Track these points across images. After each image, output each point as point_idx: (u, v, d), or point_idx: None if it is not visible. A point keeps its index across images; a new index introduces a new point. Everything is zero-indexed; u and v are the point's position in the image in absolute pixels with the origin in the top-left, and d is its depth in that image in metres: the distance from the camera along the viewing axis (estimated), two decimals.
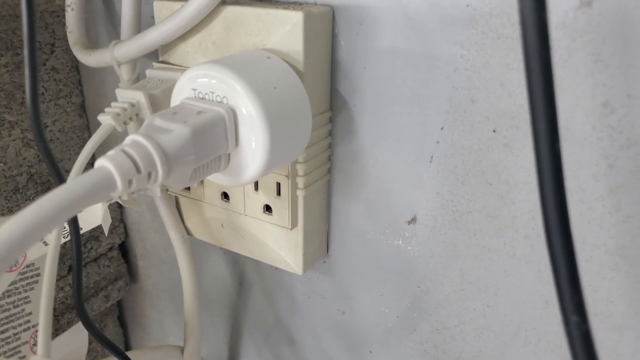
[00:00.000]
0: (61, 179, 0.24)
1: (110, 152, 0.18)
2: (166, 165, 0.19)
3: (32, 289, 0.27)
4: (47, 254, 0.22)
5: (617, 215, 0.22)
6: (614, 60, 0.20)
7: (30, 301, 0.27)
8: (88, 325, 0.25)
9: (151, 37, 0.26)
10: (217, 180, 0.23)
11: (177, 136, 0.19)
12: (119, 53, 0.28)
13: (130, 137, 0.19)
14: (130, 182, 0.18)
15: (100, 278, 0.40)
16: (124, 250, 0.43)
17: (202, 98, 0.22)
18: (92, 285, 0.39)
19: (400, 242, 0.28)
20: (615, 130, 0.21)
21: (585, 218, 0.23)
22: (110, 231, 0.40)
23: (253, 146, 0.22)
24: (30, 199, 0.35)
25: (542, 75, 0.13)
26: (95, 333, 0.25)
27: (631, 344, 0.24)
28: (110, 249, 0.41)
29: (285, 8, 0.24)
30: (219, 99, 0.22)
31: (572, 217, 0.23)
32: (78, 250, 0.24)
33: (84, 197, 0.17)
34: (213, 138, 0.21)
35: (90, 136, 0.39)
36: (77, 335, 0.33)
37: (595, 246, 0.23)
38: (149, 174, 0.19)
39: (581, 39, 0.21)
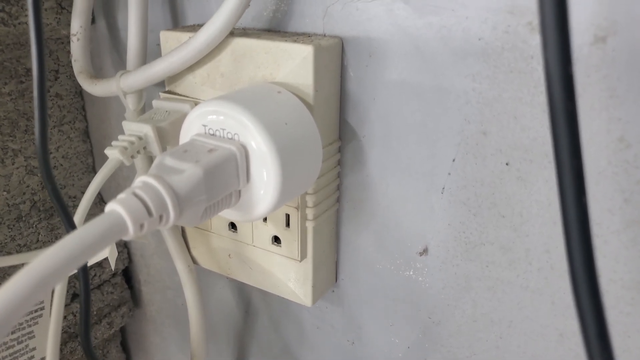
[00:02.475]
0: (69, 219, 0.23)
1: (121, 196, 0.18)
2: (178, 208, 0.19)
3: (36, 323, 0.27)
4: (55, 290, 0.22)
5: (633, 249, 0.22)
6: (630, 96, 0.20)
7: (34, 336, 0.26)
8: None
9: (158, 69, 0.26)
10: (228, 215, 0.23)
11: (189, 177, 0.19)
12: (125, 83, 0.28)
13: (141, 179, 0.19)
14: (141, 226, 0.18)
15: (103, 305, 0.40)
16: (128, 275, 0.43)
17: (213, 134, 0.22)
18: (95, 313, 0.39)
19: (411, 272, 0.28)
20: (631, 165, 0.21)
21: (601, 252, 0.23)
22: (118, 257, 0.39)
23: (265, 182, 0.21)
24: (33, 227, 0.35)
25: (568, 129, 0.13)
26: None
27: None
28: (114, 275, 0.40)
29: (295, 41, 0.24)
30: (230, 136, 0.21)
31: None
32: (86, 292, 0.23)
33: (96, 244, 0.17)
34: (225, 176, 0.20)
35: (93, 162, 0.38)
36: None
37: (612, 280, 0.23)
38: (161, 217, 0.19)
39: (595, 75, 0.20)
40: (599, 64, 0.20)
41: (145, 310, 0.44)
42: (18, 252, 0.33)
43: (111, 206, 0.18)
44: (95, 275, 0.39)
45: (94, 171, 0.39)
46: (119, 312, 0.41)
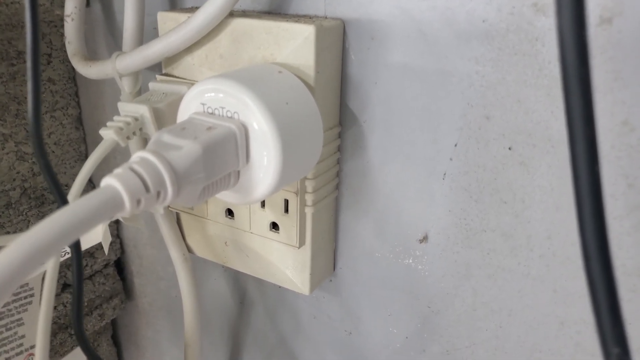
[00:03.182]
0: (62, 197, 0.23)
1: (118, 170, 0.17)
2: (176, 184, 0.18)
3: (25, 310, 0.26)
4: (46, 275, 0.21)
5: (636, 235, 0.22)
6: (635, 79, 0.20)
7: (23, 323, 0.26)
8: (87, 351, 0.23)
9: (156, 49, 0.26)
10: (225, 197, 0.23)
11: (188, 153, 0.19)
12: (121, 65, 0.27)
13: (138, 154, 0.18)
14: (138, 202, 0.17)
15: (95, 296, 0.39)
16: (120, 266, 0.42)
17: (212, 113, 0.21)
18: (86, 304, 0.38)
19: (410, 261, 0.28)
20: (635, 149, 0.21)
21: None
22: (111, 247, 0.38)
23: (265, 163, 0.21)
24: (23, 214, 0.34)
25: (581, 96, 0.12)
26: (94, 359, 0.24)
27: None
28: (106, 265, 0.40)
29: (296, 21, 0.23)
30: (229, 115, 0.21)
31: None
32: (79, 274, 0.22)
33: (91, 219, 0.16)
34: (224, 155, 0.20)
35: (86, 149, 0.38)
36: None
37: (614, 267, 0.23)
38: (158, 193, 0.18)
39: (601, 56, 0.20)
40: (605, 46, 0.20)
41: (137, 302, 0.43)
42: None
43: (107, 181, 0.17)
44: (87, 265, 0.38)
45: (86, 159, 0.38)
46: (110, 304, 0.40)
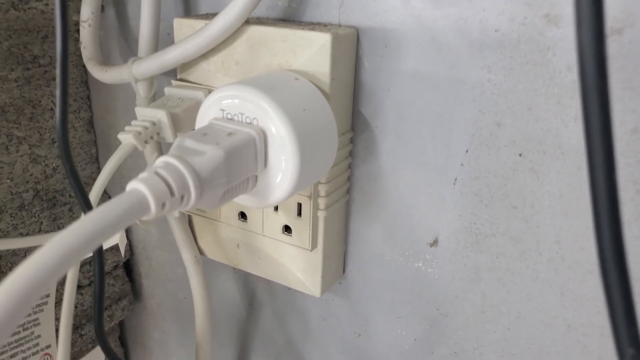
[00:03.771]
0: (86, 200, 0.23)
1: (143, 174, 0.18)
2: (199, 188, 0.19)
3: (41, 310, 0.26)
4: (67, 275, 0.21)
5: None
6: None
7: (39, 323, 0.26)
8: (106, 350, 0.24)
9: (172, 56, 0.26)
10: (243, 201, 0.23)
11: (211, 158, 0.19)
12: (137, 70, 0.28)
13: (163, 159, 0.19)
14: (163, 205, 0.18)
15: (104, 297, 0.39)
16: (129, 268, 0.42)
17: (231, 119, 0.22)
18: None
19: (420, 264, 0.28)
20: None
21: None
22: (116, 249, 0.39)
23: (283, 167, 0.21)
24: (35, 216, 0.35)
25: (600, 108, 0.13)
26: (113, 358, 0.24)
27: None
28: (115, 267, 0.40)
29: (312, 29, 0.24)
30: (248, 120, 0.21)
31: None
32: (101, 275, 0.23)
33: (119, 221, 0.17)
34: (244, 160, 0.20)
35: (97, 152, 0.38)
36: None
37: None
38: (182, 197, 0.18)
39: (612, 66, 0.21)
40: (615, 56, 0.21)
41: (145, 303, 0.44)
42: None
43: (133, 185, 0.18)
44: None
45: (97, 162, 0.39)
46: (119, 305, 0.40)
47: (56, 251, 0.15)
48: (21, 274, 0.13)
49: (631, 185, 0.22)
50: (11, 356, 0.25)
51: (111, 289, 0.40)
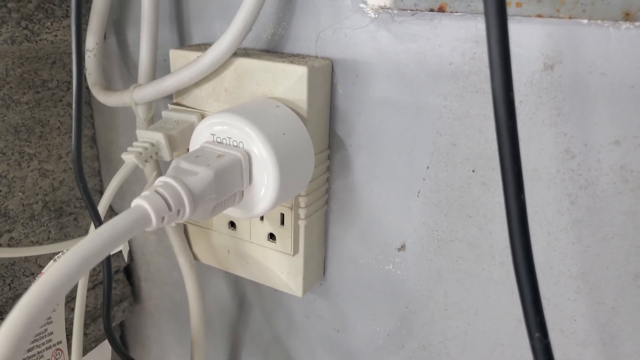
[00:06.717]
0: (96, 214, 0.27)
1: (145, 193, 0.21)
2: (193, 204, 0.22)
3: (53, 310, 0.30)
4: (79, 281, 0.25)
5: (578, 245, 0.26)
6: (573, 115, 0.24)
7: (52, 322, 0.29)
8: (113, 343, 0.27)
9: (169, 84, 0.30)
10: (232, 213, 0.26)
11: (202, 178, 0.23)
12: (138, 96, 0.31)
13: (162, 179, 0.22)
14: (162, 219, 0.21)
15: (112, 297, 0.43)
16: (129, 272, 0.46)
17: (220, 142, 0.25)
18: (99, 307, 0.42)
19: (390, 266, 0.32)
20: (576, 172, 0.25)
21: (552, 247, 0.26)
22: (117, 255, 0.42)
23: (265, 183, 0.25)
24: (44, 225, 0.38)
25: (510, 141, 0.16)
26: (120, 351, 0.27)
27: (593, 358, 0.27)
28: (117, 271, 0.43)
29: (291, 62, 0.27)
30: (235, 144, 0.25)
31: (540, 246, 0.27)
32: (109, 275, 0.26)
33: (126, 232, 0.20)
34: (231, 178, 0.24)
35: (99, 166, 0.41)
36: (103, 353, 0.36)
37: (561, 272, 0.27)
38: (178, 211, 0.22)
39: (546, 96, 0.24)
40: (549, 87, 0.24)
41: (144, 305, 0.47)
42: None
43: (137, 202, 0.21)
44: (99, 271, 0.41)
45: (99, 175, 0.42)
46: (120, 307, 0.44)
47: (78, 256, 0.18)
48: (52, 273, 0.17)
49: (566, 197, 0.25)
50: (28, 350, 0.28)
51: (113, 292, 0.43)
